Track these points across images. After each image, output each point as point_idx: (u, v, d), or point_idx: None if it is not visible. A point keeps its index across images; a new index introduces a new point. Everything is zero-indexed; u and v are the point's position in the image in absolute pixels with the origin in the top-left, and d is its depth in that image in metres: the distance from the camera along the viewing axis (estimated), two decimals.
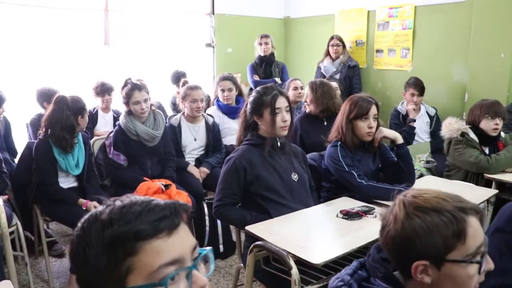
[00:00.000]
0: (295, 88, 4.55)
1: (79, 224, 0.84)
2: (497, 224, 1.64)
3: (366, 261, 1.25)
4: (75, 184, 3.25)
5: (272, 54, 5.46)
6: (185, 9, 5.98)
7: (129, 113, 3.40)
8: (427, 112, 4.65)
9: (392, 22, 5.47)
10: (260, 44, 5.41)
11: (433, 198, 1.12)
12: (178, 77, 5.07)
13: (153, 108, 3.49)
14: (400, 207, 1.13)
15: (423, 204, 1.11)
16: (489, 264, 1.13)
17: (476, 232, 1.10)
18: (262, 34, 5.44)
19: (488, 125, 3.27)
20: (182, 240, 0.84)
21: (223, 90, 4.17)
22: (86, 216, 0.85)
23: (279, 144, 2.49)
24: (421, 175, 3.58)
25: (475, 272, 1.10)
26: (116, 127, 3.47)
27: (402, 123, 4.56)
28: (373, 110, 2.65)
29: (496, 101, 3.38)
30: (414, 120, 4.45)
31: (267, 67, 5.44)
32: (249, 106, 2.49)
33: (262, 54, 5.43)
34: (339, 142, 2.67)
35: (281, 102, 2.42)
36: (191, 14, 6.08)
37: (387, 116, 5.10)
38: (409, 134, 4.38)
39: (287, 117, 2.43)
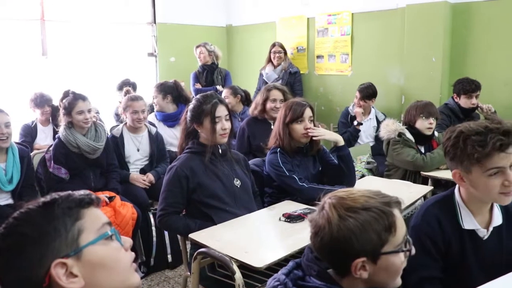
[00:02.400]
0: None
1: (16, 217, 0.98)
2: (413, 222, 1.74)
3: (301, 261, 1.28)
4: (10, 201, 3.12)
5: (213, 62, 5.49)
6: (126, 19, 5.92)
7: (69, 125, 3.32)
8: (376, 117, 4.77)
9: (331, 29, 5.63)
10: (197, 53, 5.49)
11: (361, 197, 1.18)
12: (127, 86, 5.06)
13: (94, 119, 3.43)
14: (332, 210, 1.17)
15: (353, 204, 1.16)
16: (413, 249, 1.22)
17: (401, 223, 1.19)
18: (198, 44, 5.49)
19: (423, 124, 3.43)
20: (104, 213, 1.07)
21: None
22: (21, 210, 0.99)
23: (220, 151, 2.51)
24: (363, 176, 3.69)
25: (404, 259, 1.20)
26: (56, 140, 3.37)
27: (349, 123, 4.68)
28: (308, 112, 2.73)
29: (430, 102, 3.55)
30: (361, 124, 4.57)
31: (208, 75, 5.47)
32: (189, 114, 2.50)
33: (200, 63, 5.49)
34: (279, 148, 2.72)
35: (221, 111, 2.45)
36: (132, 23, 6.02)
37: (331, 120, 5.26)
38: (353, 136, 4.51)
39: (227, 125, 2.47)
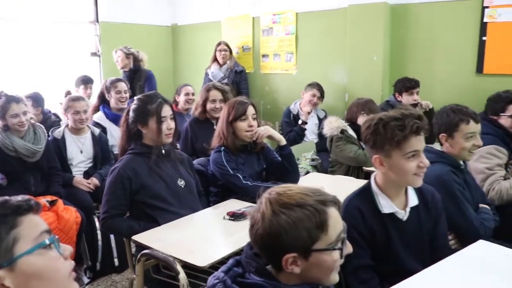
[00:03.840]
0: (187, 94, 4.57)
1: None
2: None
3: (241, 258, 1.30)
4: None
5: (130, 69, 5.19)
6: (67, 17, 5.74)
7: (5, 128, 3.19)
8: (317, 115, 4.86)
9: (276, 28, 5.70)
10: (116, 61, 5.24)
11: (296, 194, 1.20)
12: (86, 81, 4.96)
13: (32, 121, 3.32)
14: (267, 205, 1.19)
15: (288, 201, 1.18)
16: (348, 248, 1.25)
17: (336, 222, 1.21)
18: (116, 48, 5.24)
19: (364, 121, 3.52)
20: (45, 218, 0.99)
21: (119, 92, 4.10)
22: None
23: (163, 151, 2.49)
24: (307, 172, 3.76)
25: (338, 257, 1.22)
26: None
27: (293, 122, 4.75)
28: (251, 109, 2.76)
29: (370, 99, 3.68)
30: (306, 123, 4.64)
31: (130, 82, 5.21)
32: (132, 114, 2.46)
33: (122, 69, 5.24)
34: (223, 147, 2.73)
35: (166, 110, 2.44)
36: (74, 22, 5.86)
37: (276, 118, 5.31)
38: (299, 135, 4.58)
39: (172, 124, 2.46)
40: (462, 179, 2.36)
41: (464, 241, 2.11)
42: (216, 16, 6.27)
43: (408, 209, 1.86)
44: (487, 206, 2.47)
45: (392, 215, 1.84)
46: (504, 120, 2.92)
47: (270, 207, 1.18)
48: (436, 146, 2.49)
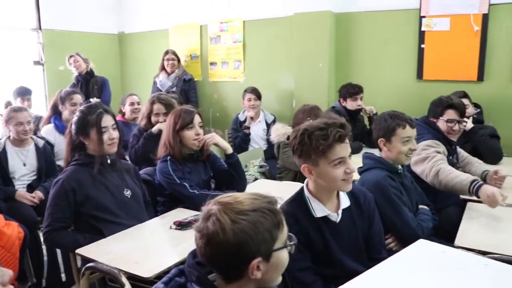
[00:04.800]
0: (132, 104, 4.52)
1: None
2: None
3: (184, 267, 1.31)
4: None
5: (87, 72, 5.25)
6: (7, 24, 5.55)
7: None
8: (265, 120, 4.91)
9: (223, 36, 5.74)
10: (70, 64, 5.23)
11: (246, 200, 1.22)
12: (22, 93, 4.81)
13: None
14: (222, 215, 1.17)
15: (242, 207, 1.19)
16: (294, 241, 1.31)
17: (284, 220, 1.26)
18: (70, 53, 5.26)
19: None
20: None
21: (74, 104, 4.00)
22: None
23: (109, 161, 2.46)
24: (256, 179, 3.79)
25: (288, 254, 1.28)
26: None
27: (239, 128, 4.79)
28: (197, 118, 2.77)
29: (316, 105, 3.77)
30: (248, 128, 4.69)
31: (83, 87, 5.23)
32: (73, 126, 2.43)
33: (76, 73, 5.24)
34: (169, 157, 2.73)
35: (107, 120, 2.42)
36: (15, 29, 5.67)
37: (225, 126, 5.34)
38: (243, 140, 4.65)
39: (115, 134, 2.44)
40: (400, 182, 2.46)
41: (404, 242, 2.18)
42: (164, 24, 6.25)
43: (340, 211, 1.91)
44: (425, 207, 2.58)
45: (325, 218, 1.88)
46: (441, 124, 3.05)
47: (227, 217, 1.17)
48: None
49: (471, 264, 1.72)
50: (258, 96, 4.84)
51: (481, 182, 2.56)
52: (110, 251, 2.04)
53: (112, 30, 6.74)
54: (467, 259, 1.78)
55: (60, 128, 4.02)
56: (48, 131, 4.02)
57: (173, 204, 2.71)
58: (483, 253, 1.96)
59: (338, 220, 1.91)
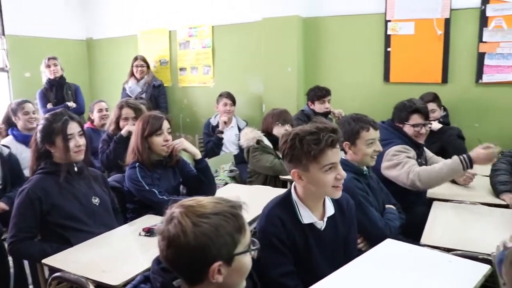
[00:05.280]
0: (100, 110, 4.47)
1: None
2: (259, 226, 1.87)
3: (150, 274, 1.30)
4: None
5: (62, 77, 5.18)
6: None
7: None
8: (237, 125, 4.92)
9: (192, 41, 5.74)
10: (49, 66, 5.09)
11: (209, 203, 1.22)
12: None
13: None
14: (184, 219, 1.17)
15: (204, 211, 1.19)
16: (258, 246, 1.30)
17: (247, 225, 1.26)
18: (50, 56, 5.15)
19: (279, 131, 3.65)
20: None
21: (27, 113, 3.92)
22: None
23: (76, 169, 2.43)
24: (226, 184, 3.80)
25: (251, 259, 1.27)
26: None
27: (212, 133, 4.79)
28: (166, 124, 2.77)
29: (285, 109, 3.80)
30: (222, 132, 4.70)
31: (58, 91, 5.15)
32: (39, 134, 2.38)
33: (51, 77, 5.11)
34: (137, 163, 2.71)
35: (73, 128, 2.38)
36: None
37: (196, 131, 5.34)
38: (216, 144, 4.65)
39: (81, 141, 2.40)
40: (366, 184, 2.50)
41: (372, 242, 2.21)
42: (132, 30, 6.21)
43: (325, 219, 1.90)
44: (392, 206, 2.63)
45: (311, 225, 1.87)
46: (407, 129, 3.10)
47: (189, 220, 1.17)
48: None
49: (435, 262, 1.77)
50: (234, 102, 4.86)
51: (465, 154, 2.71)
52: (77, 260, 2.02)
53: (80, 36, 6.65)
54: (432, 256, 1.83)
55: (19, 138, 3.93)
56: (7, 143, 3.93)
57: (143, 211, 2.69)
58: (448, 250, 2.01)
59: (323, 227, 1.90)
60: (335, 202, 1.97)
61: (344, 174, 1.83)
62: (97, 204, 2.45)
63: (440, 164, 2.85)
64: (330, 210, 1.93)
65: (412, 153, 3.00)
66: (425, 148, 3.34)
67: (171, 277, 1.25)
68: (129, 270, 1.90)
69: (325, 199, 1.93)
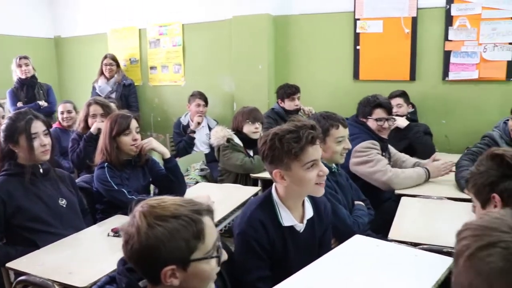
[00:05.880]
0: (62, 112, 4.38)
1: None
2: (239, 228, 1.85)
3: (115, 274, 1.29)
4: None
5: (33, 76, 5.11)
6: None
7: None
8: (208, 125, 4.90)
9: (162, 40, 5.70)
10: (20, 66, 5.00)
11: (171, 205, 1.19)
12: None
13: None
14: (141, 219, 1.16)
15: (162, 213, 1.17)
16: (224, 255, 1.27)
17: (211, 230, 1.23)
18: (21, 55, 5.06)
19: (249, 129, 3.67)
20: None
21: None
22: None
23: (41, 170, 2.38)
24: (197, 183, 3.78)
25: (215, 265, 1.24)
26: None
27: (182, 132, 4.77)
28: (134, 123, 2.74)
29: (255, 107, 3.81)
30: (195, 132, 4.68)
31: (29, 90, 5.07)
32: (2, 134, 2.32)
33: (23, 77, 5.02)
34: (106, 163, 2.67)
35: (37, 127, 2.33)
36: None
37: (167, 130, 5.30)
38: (188, 144, 4.63)
39: (46, 141, 2.35)
40: (334, 181, 2.52)
41: (341, 239, 2.22)
42: (102, 28, 6.12)
43: (305, 221, 1.91)
44: (361, 203, 2.67)
45: (291, 228, 1.87)
46: (371, 123, 3.16)
47: (145, 220, 1.16)
48: None
49: (402, 256, 1.80)
50: (206, 102, 4.84)
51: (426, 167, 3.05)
52: (44, 263, 1.98)
53: (47, 34, 6.51)
54: (398, 251, 1.87)
55: None
56: None
57: (112, 211, 2.65)
58: (414, 245, 2.05)
59: (301, 230, 1.90)
60: (313, 203, 1.98)
61: (326, 170, 1.83)
62: (64, 205, 2.41)
63: (410, 171, 3.03)
64: (309, 212, 1.94)
65: (379, 147, 3.06)
66: (388, 145, 3.40)
67: (136, 277, 1.24)
68: (97, 271, 1.87)
69: (305, 201, 1.93)
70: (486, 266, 0.86)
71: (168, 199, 1.23)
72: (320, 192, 1.86)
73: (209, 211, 1.25)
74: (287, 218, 1.85)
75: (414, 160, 3.41)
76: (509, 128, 3.17)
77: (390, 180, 2.94)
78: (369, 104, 3.17)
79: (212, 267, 1.22)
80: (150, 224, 1.15)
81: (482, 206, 1.61)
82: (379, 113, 3.15)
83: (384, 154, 3.17)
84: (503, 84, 4.23)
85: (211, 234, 1.22)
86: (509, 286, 0.84)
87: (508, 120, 3.24)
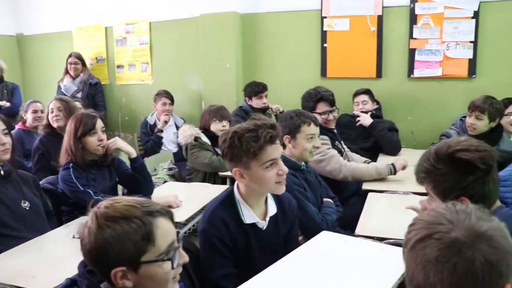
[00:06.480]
0: (35, 111, 4.27)
1: None
2: (201, 226, 1.86)
3: (76, 276, 1.27)
4: None
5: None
6: None
7: None
8: (175, 123, 4.87)
9: (129, 38, 5.63)
10: None
11: (123, 207, 1.17)
12: None
13: None
14: (93, 219, 1.16)
15: (113, 214, 1.16)
16: (183, 257, 1.26)
17: (166, 232, 1.20)
18: None
19: (217, 127, 3.67)
20: None
21: None
22: None
23: (2, 172, 2.31)
24: (165, 182, 3.75)
25: (169, 268, 1.21)
26: None
27: (150, 132, 4.72)
28: (99, 123, 2.69)
29: (222, 106, 3.81)
30: (162, 131, 4.64)
31: None
32: None
33: None
34: (71, 164, 2.62)
35: None
36: None
37: (135, 130, 5.23)
38: (156, 143, 4.59)
39: (6, 139, 2.28)
40: (303, 179, 2.55)
41: (310, 237, 2.25)
42: (66, 26, 5.98)
43: (267, 218, 1.91)
44: (330, 200, 2.69)
45: (253, 225, 1.87)
46: (316, 117, 3.21)
47: (96, 221, 1.15)
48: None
49: (368, 251, 1.84)
50: (172, 101, 4.81)
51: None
52: (5, 268, 1.92)
53: (8, 31, 6.31)
54: (365, 246, 1.90)
55: None
56: None
57: (78, 213, 2.60)
58: (380, 239, 2.08)
59: (264, 227, 1.90)
60: (277, 201, 1.98)
61: (285, 169, 1.83)
62: (27, 208, 2.34)
63: (370, 166, 3.12)
64: (272, 209, 1.94)
65: (329, 141, 3.13)
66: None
67: (97, 279, 1.22)
68: (61, 275, 1.80)
69: (267, 198, 1.94)
70: (423, 257, 0.92)
71: (123, 200, 1.21)
72: (280, 190, 1.87)
73: (165, 212, 1.23)
74: (249, 216, 1.86)
75: (362, 159, 3.50)
76: (466, 125, 3.26)
77: (346, 177, 3.03)
78: (311, 99, 3.23)
79: (165, 270, 1.19)
80: (99, 225, 1.15)
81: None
82: (322, 106, 3.22)
83: (336, 143, 3.22)
84: (465, 81, 4.35)
85: (165, 236, 1.20)
86: (443, 274, 0.89)
87: (464, 117, 3.34)
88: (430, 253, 0.91)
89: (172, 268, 1.21)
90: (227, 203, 1.88)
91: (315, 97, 3.20)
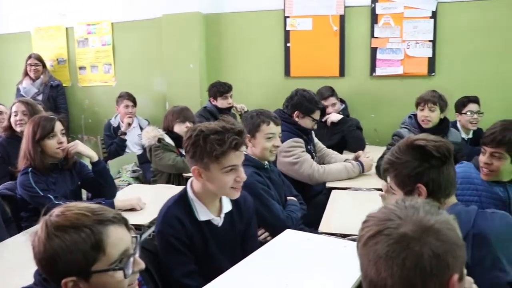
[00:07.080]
0: (1, 113, 4.14)
1: None
2: (157, 227, 1.85)
3: (32, 285, 1.24)
4: None
5: None
6: None
7: None
8: (139, 125, 4.81)
9: (91, 39, 5.53)
10: None
11: (73, 215, 1.14)
12: None
13: None
14: (43, 228, 1.13)
15: (63, 223, 1.13)
16: (139, 265, 1.23)
17: (118, 240, 1.18)
18: None
19: (180, 128, 3.65)
20: None
21: None
22: None
23: None
24: (129, 184, 3.70)
25: (122, 277, 1.18)
26: None
27: (113, 135, 4.65)
28: (58, 125, 2.63)
29: (185, 106, 3.80)
30: (125, 133, 4.57)
31: None
32: None
33: None
34: (30, 168, 2.55)
35: None
36: None
37: (98, 132, 5.16)
38: (120, 146, 4.51)
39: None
40: (267, 177, 2.56)
41: (275, 234, 2.26)
42: (25, 26, 5.81)
43: (222, 215, 1.91)
44: (293, 198, 2.72)
45: (208, 222, 1.87)
46: (307, 121, 3.26)
47: (46, 230, 1.12)
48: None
49: (332, 247, 1.86)
50: (135, 102, 4.75)
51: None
52: None
53: None
54: (328, 243, 1.92)
55: None
56: None
57: (38, 219, 2.53)
58: (344, 236, 2.11)
59: (220, 224, 1.90)
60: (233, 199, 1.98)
61: (244, 176, 1.83)
62: None
63: (339, 165, 3.16)
64: (227, 206, 1.95)
65: (303, 143, 3.15)
66: (314, 137, 3.50)
67: (53, 287, 1.19)
68: (19, 283, 1.77)
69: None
70: (374, 253, 0.94)
71: (75, 208, 1.18)
72: (234, 195, 1.87)
73: (118, 220, 1.20)
74: (203, 213, 1.86)
75: (343, 157, 3.52)
76: (420, 119, 3.34)
77: (317, 181, 3.08)
78: (315, 105, 3.25)
79: (117, 279, 1.17)
80: (48, 235, 1.12)
81: (406, 195, 1.64)
82: (317, 115, 3.26)
83: (309, 147, 3.26)
84: (425, 79, 4.46)
85: (116, 244, 1.17)
86: (393, 269, 0.91)
87: (413, 114, 3.43)
88: (381, 249, 0.93)
89: (125, 277, 1.18)
90: (180, 201, 1.88)
91: (316, 106, 3.25)
